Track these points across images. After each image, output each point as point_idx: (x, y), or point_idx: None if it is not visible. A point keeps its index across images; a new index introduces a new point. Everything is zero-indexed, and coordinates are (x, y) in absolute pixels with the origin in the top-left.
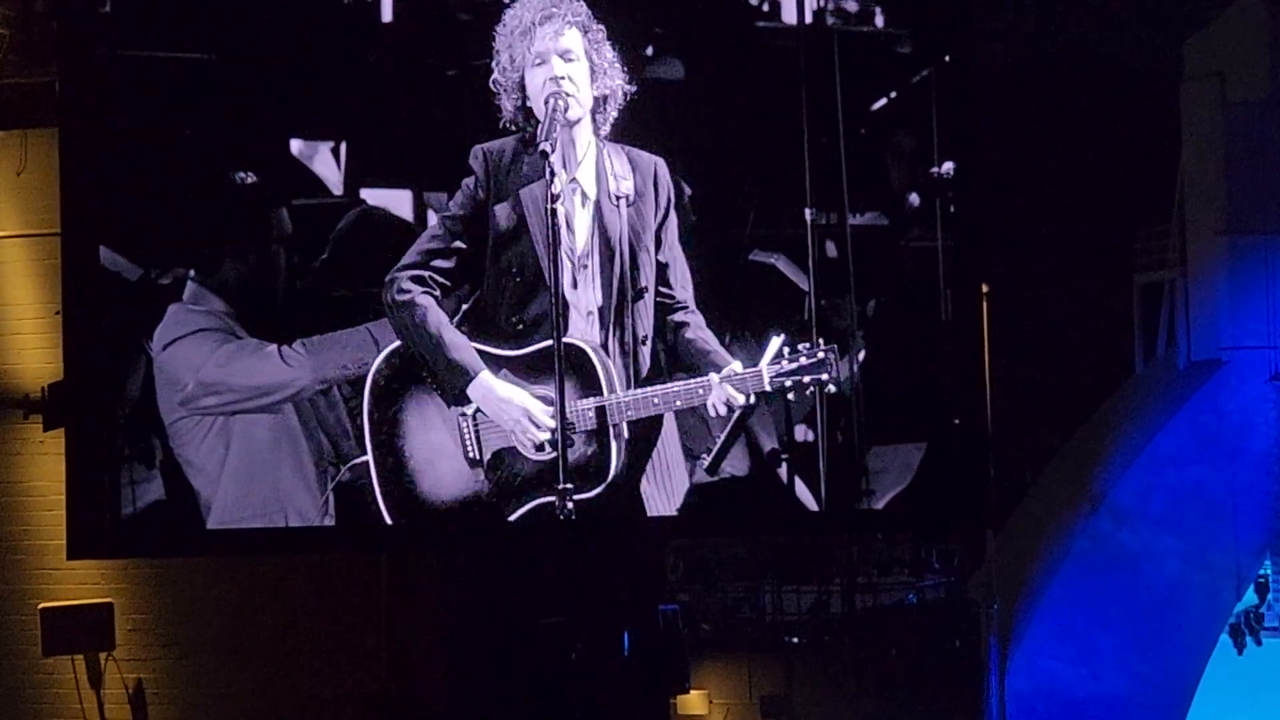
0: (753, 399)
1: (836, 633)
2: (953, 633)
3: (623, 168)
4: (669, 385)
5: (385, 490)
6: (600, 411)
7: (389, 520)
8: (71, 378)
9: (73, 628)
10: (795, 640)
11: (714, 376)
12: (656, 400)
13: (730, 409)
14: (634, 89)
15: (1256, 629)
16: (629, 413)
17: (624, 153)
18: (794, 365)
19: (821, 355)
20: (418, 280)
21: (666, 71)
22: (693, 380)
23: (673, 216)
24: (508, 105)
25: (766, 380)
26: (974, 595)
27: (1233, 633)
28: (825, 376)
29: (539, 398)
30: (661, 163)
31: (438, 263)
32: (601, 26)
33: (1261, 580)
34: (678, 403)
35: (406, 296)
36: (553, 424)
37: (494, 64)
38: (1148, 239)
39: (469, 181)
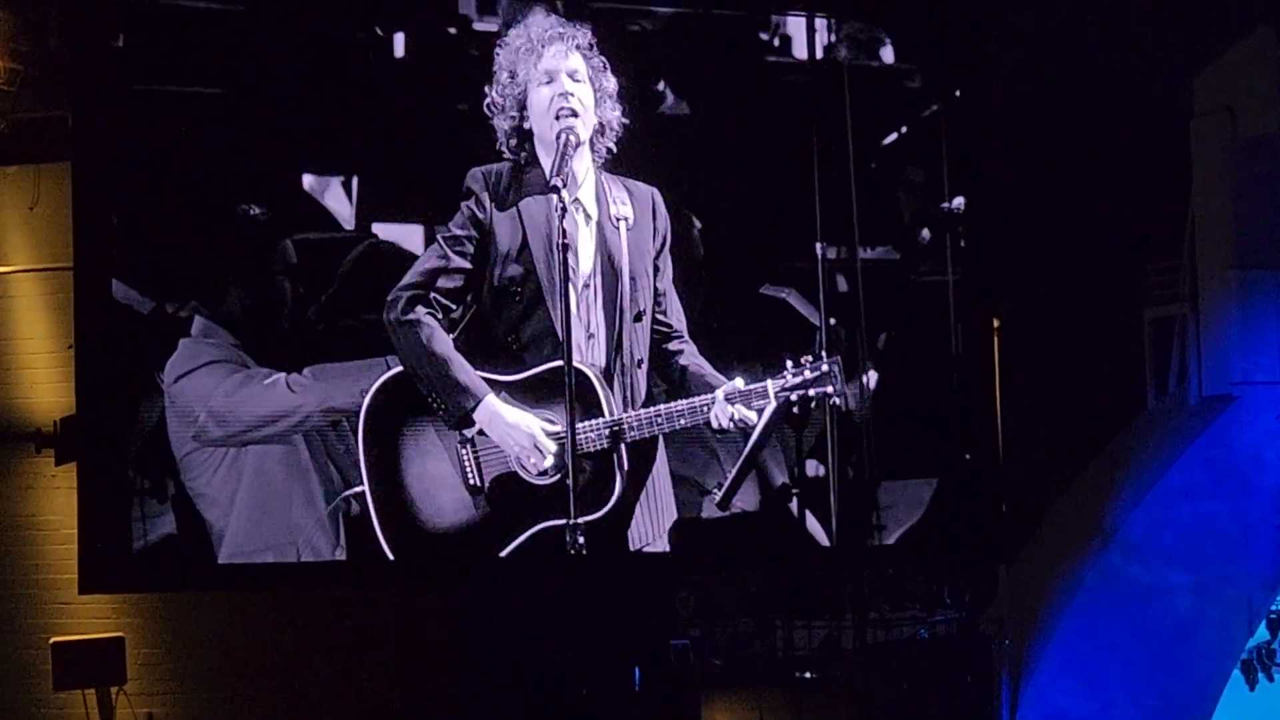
0: (765, 418)
1: (848, 668)
2: (964, 667)
3: (620, 194)
4: (674, 404)
5: (383, 521)
6: (615, 433)
7: (389, 553)
8: (84, 412)
9: (84, 662)
10: (806, 676)
11: (720, 392)
12: (661, 419)
13: (735, 424)
14: (627, 121)
15: (1269, 664)
16: (632, 433)
17: (620, 182)
18: (798, 380)
19: (825, 368)
20: (421, 301)
21: (677, 106)
22: (697, 399)
23: (668, 246)
24: (503, 125)
25: (772, 393)
26: (986, 630)
27: (1244, 668)
28: (830, 389)
29: (544, 422)
30: (657, 192)
31: (441, 283)
32: (603, 59)
33: (1274, 615)
34: (682, 420)
35: (411, 316)
36: (556, 448)
37: (491, 84)
38: (1158, 273)
39: (468, 203)
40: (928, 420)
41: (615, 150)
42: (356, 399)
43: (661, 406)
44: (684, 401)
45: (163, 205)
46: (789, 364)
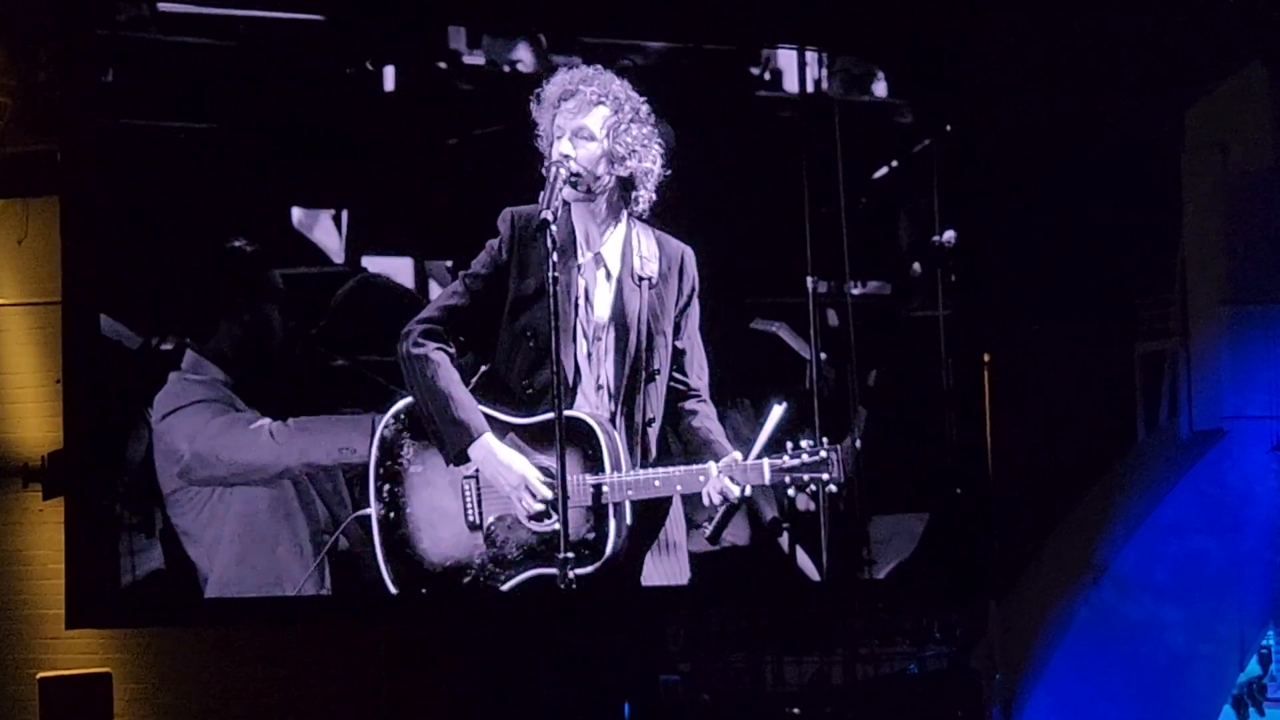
0: (749, 490)
1: (837, 703)
2: (955, 704)
3: (650, 250)
4: (670, 469)
5: (386, 547)
6: (597, 490)
7: (388, 579)
8: (71, 446)
9: (71, 698)
10: (796, 711)
11: (713, 466)
12: (657, 483)
13: (725, 499)
14: (668, 171)
15: (1260, 700)
16: (629, 493)
17: (654, 235)
18: (795, 462)
19: (823, 454)
20: (433, 335)
21: (667, 140)
22: (694, 466)
23: (694, 305)
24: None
25: (766, 474)
26: (976, 666)
27: (1236, 704)
28: (826, 476)
29: (540, 467)
30: (689, 251)
31: (455, 319)
32: (639, 105)
33: (1264, 651)
34: (678, 487)
35: (421, 350)
36: (549, 494)
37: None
38: (1149, 308)
39: (493, 242)
40: (918, 455)
41: (655, 200)
42: (336, 455)
43: (659, 471)
44: (680, 468)
45: (152, 240)
46: (789, 445)
